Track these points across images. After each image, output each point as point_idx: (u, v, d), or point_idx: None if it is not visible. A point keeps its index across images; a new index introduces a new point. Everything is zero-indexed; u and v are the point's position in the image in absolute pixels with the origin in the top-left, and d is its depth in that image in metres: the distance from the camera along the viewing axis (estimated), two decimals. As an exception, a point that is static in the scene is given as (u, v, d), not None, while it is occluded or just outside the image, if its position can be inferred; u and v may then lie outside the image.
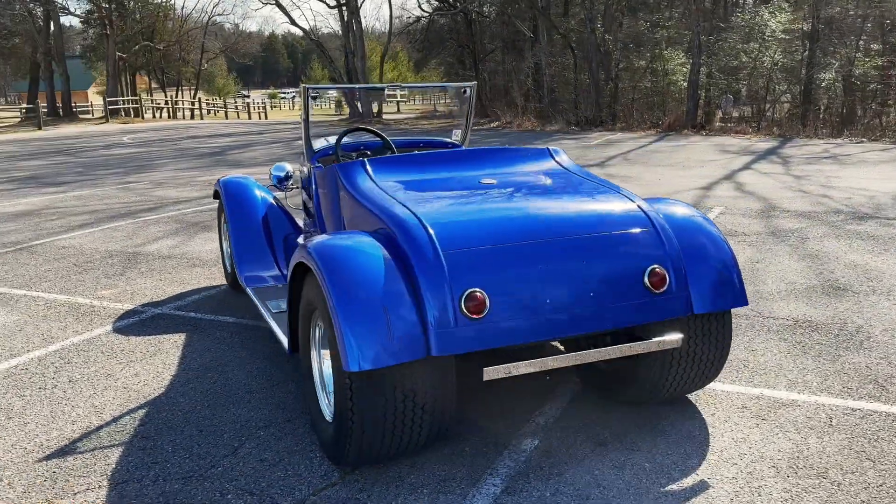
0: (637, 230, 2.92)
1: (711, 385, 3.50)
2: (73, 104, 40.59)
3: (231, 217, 4.75)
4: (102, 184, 11.69)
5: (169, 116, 41.68)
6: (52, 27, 38.83)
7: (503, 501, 2.56)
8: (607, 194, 3.16)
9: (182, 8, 46.90)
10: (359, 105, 30.06)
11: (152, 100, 44.44)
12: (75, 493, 2.67)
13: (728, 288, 2.98)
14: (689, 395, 3.37)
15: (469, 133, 4.59)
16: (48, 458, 2.94)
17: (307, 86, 4.06)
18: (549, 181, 3.39)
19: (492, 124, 26.62)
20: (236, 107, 44.18)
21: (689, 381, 3.11)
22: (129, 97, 42.06)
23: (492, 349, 2.63)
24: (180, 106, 43.43)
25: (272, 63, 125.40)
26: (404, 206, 2.90)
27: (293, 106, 62.72)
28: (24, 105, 40.11)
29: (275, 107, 63.02)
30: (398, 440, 2.63)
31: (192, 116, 42.95)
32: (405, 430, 2.62)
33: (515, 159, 3.60)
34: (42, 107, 34.66)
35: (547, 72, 26.65)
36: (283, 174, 4.69)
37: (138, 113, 39.74)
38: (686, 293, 2.88)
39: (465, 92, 4.51)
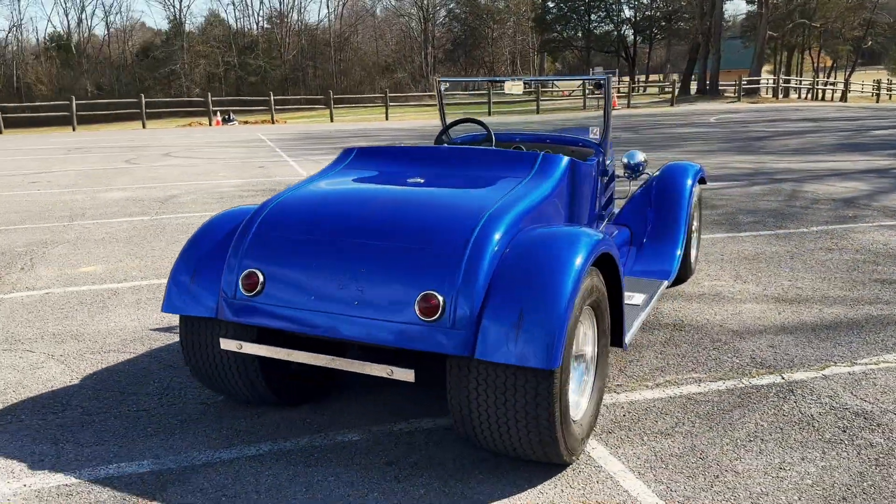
0: (436, 249, 2.64)
1: (622, 469, 2.75)
2: (719, 83, 42.41)
3: None
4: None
5: (814, 98, 39.92)
6: (714, 9, 41.10)
7: (205, 470, 2.82)
8: (474, 207, 2.81)
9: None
10: None
11: (800, 80, 43.01)
12: (53, 366, 4.01)
13: (530, 342, 2.44)
14: (578, 468, 2.77)
15: (609, 129, 4.11)
16: (89, 339, 4.35)
17: (440, 78, 4.41)
18: (469, 187, 3.14)
19: None
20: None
21: (506, 441, 2.62)
22: (783, 76, 41.74)
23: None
24: (829, 87, 40.94)
25: None
26: (294, 189, 3.23)
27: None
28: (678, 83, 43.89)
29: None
30: (219, 383, 3.14)
31: (843, 98, 40.14)
32: (220, 376, 3.10)
33: (489, 162, 3.34)
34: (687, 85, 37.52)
35: None
36: (632, 161, 5.05)
37: (787, 93, 39.35)
38: (469, 332, 2.51)
39: (600, 85, 4.06)
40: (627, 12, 56.91)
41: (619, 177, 5.31)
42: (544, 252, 2.62)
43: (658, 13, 55.27)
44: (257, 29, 64.47)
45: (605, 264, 2.99)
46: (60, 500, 2.58)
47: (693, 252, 5.30)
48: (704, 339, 4.09)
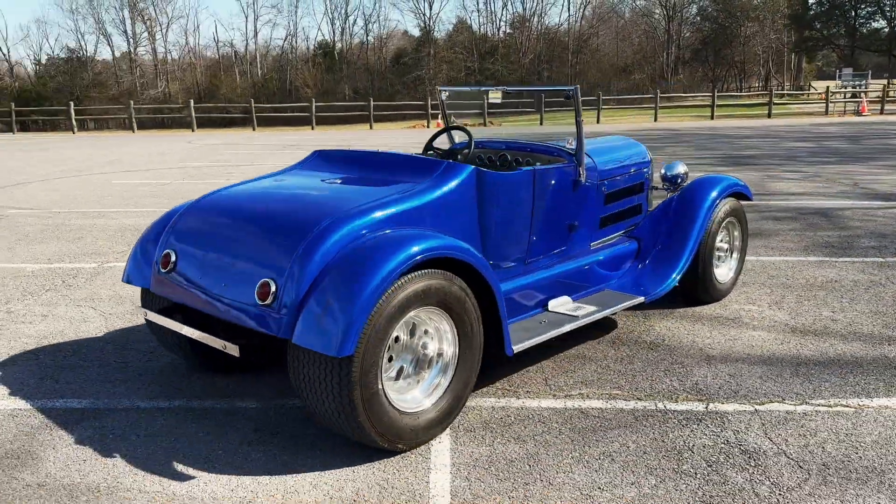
0: (282, 241, 2.98)
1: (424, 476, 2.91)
2: None
3: None
4: (751, 168, 11.88)
5: None
6: None
7: (119, 413, 3.40)
8: (334, 207, 3.09)
9: None
10: None
11: None
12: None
13: (327, 331, 2.72)
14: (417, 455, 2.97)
15: (582, 139, 4.06)
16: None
17: (441, 87, 4.66)
18: (362, 186, 3.40)
19: None
20: None
21: (329, 422, 2.90)
22: None
23: None
24: None
25: None
26: (234, 185, 3.72)
27: None
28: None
29: None
30: (165, 345, 3.75)
31: None
32: (162, 340, 3.72)
33: (404, 167, 3.54)
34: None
35: None
36: (669, 173, 5.14)
37: None
38: (292, 318, 2.84)
39: (569, 96, 4.02)
40: (904, 6, 50.22)
41: (657, 188, 5.16)
42: (362, 252, 2.86)
43: (944, 6, 48.15)
44: (499, 34, 66.55)
45: (467, 271, 3.13)
46: (5, 421, 3.33)
47: (728, 274, 4.99)
48: (666, 360, 3.93)
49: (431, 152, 4.56)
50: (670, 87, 57.68)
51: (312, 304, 2.78)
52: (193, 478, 2.83)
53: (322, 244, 2.91)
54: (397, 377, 3.11)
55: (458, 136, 4.76)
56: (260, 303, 2.91)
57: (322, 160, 3.96)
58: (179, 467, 2.90)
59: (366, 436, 2.84)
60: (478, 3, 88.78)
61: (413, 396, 3.06)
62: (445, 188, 3.36)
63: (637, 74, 61.97)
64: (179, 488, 2.75)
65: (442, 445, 3.07)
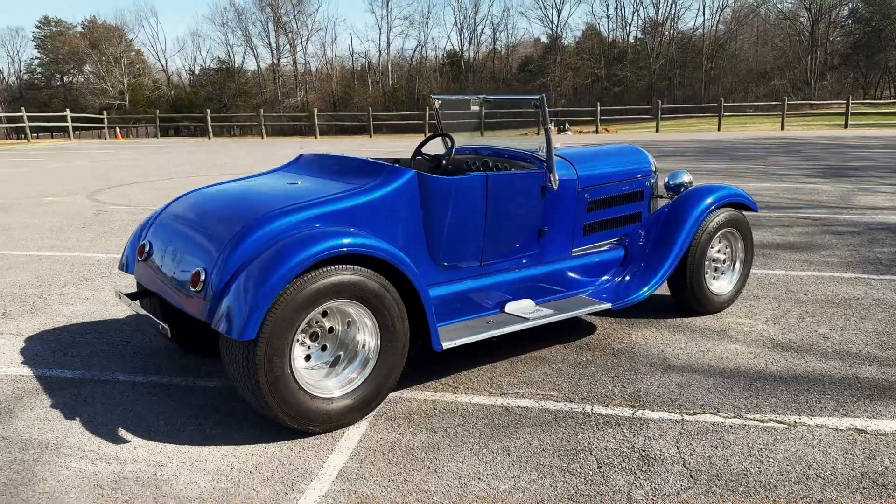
0: (217, 235, 3.30)
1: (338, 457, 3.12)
2: None
3: None
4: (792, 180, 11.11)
5: None
6: None
7: (98, 384, 3.83)
8: (268, 205, 3.36)
9: None
10: None
11: None
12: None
13: (234, 317, 3.00)
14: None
15: (552, 147, 4.11)
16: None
17: (435, 95, 4.85)
18: (308, 188, 3.64)
19: None
20: None
21: (250, 402, 3.18)
22: None
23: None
24: None
25: None
26: (215, 184, 4.08)
27: None
28: None
29: None
30: (150, 324, 4.17)
31: None
32: (149, 321, 4.13)
33: (357, 171, 3.75)
34: None
35: None
36: (672, 182, 5.23)
37: None
38: (215, 304, 3.15)
39: (535, 105, 4.09)
40: None
41: (661, 197, 5.11)
42: (278, 246, 3.11)
43: None
44: (629, 39, 65.17)
45: (388, 268, 3.33)
46: (6, 384, 3.85)
47: (727, 286, 4.86)
48: (622, 367, 3.94)
49: (420, 157, 4.76)
50: (814, 93, 54.32)
51: (227, 292, 3.07)
52: (128, 442, 3.19)
53: (247, 237, 3.20)
54: (334, 364, 3.35)
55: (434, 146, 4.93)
56: (193, 289, 3.23)
57: (302, 163, 4.27)
58: (121, 432, 3.28)
59: (274, 415, 3.10)
60: (607, 10, 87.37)
61: (326, 384, 3.28)
62: (386, 190, 3.56)
63: (777, 80, 58.79)
64: (111, 449, 3.12)
65: (357, 430, 3.28)
